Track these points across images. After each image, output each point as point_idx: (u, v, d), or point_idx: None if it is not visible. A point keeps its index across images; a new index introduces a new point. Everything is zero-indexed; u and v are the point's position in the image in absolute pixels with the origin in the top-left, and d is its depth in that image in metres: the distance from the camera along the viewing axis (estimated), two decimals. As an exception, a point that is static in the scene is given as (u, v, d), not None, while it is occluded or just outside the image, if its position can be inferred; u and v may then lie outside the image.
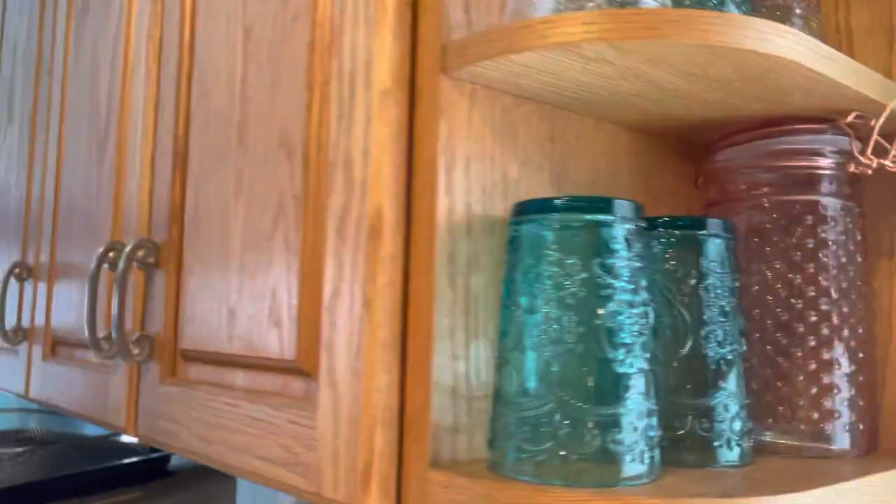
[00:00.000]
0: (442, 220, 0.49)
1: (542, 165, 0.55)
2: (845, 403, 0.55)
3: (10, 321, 1.16)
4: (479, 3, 0.52)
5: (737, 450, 0.51)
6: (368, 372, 0.49)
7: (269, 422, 0.57)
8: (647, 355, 0.46)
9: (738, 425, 0.51)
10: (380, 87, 0.50)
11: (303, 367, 0.55)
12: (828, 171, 0.56)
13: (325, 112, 0.55)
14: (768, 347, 0.56)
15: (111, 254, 0.80)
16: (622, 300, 0.45)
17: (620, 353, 0.45)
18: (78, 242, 0.97)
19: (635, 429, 0.45)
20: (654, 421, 0.46)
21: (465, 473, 0.46)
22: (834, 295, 0.55)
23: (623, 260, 0.46)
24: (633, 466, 0.44)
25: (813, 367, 0.55)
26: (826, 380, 0.55)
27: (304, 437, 0.53)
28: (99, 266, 0.81)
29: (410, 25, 0.51)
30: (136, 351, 0.75)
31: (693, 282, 0.52)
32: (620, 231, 0.46)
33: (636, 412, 0.45)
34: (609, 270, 0.45)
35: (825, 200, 0.56)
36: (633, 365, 0.45)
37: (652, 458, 0.45)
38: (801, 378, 0.55)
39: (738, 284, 0.53)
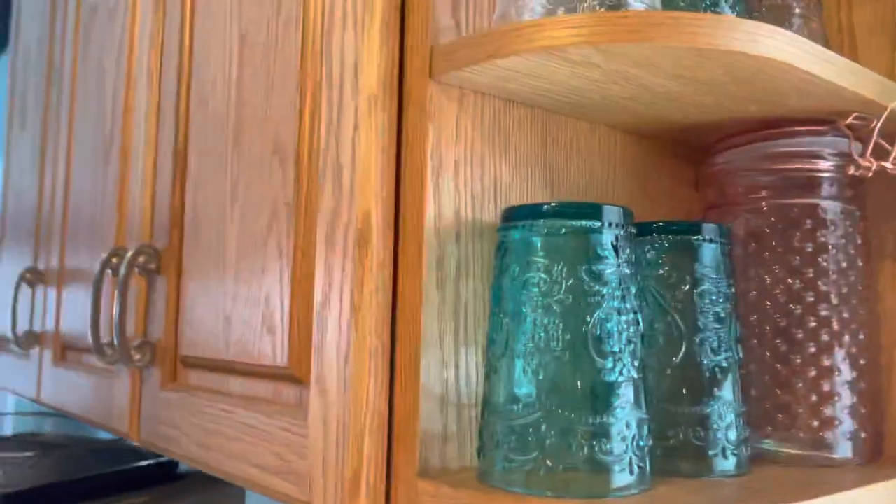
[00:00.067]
0: (430, 225, 0.49)
1: (535, 169, 0.55)
2: (846, 411, 0.54)
3: (22, 326, 1.18)
4: (468, 6, 0.51)
5: (733, 459, 0.50)
6: (357, 379, 0.49)
7: (263, 429, 0.57)
8: (637, 363, 0.45)
9: (733, 434, 0.50)
10: (367, 93, 0.49)
11: (295, 374, 0.55)
12: (827, 174, 0.55)
13: (316, 117, 0.55)
14: (767, 354, 0.55)
15: (114, 259, 0.80)
16: (611, 307, 0.45)
17: (609, 362, 0.44)
18: (85, 248, 0.98)
19: (624, 438, 0.44)
20: (645, 430, 0.45)
21: (452, 483, 0.46)
22: (834, 300, 0.54)
23: (612, 266, 0.45)
24: (622, 477, 0.43)
25: (812, 373, 0.54)
26: (826, 387, 0.54)
27: (295, 445, 0.53)
28: (102, 272, 0.81)
29: (399, 29, 0.51)
30: (137, 357, 0.75)
31: (687, 287, 0.51)
32: (609, 237, 0.45)
33: (625, 421, 0.44)
34: (597, 277, 0.45)
35: (825, 204, 0.55)
36: (622, 373, 0.44)
37: (642, 468, 0.44)
38: (801, 385, 0.54)
39: (733, 290, 0.52)
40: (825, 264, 0.54)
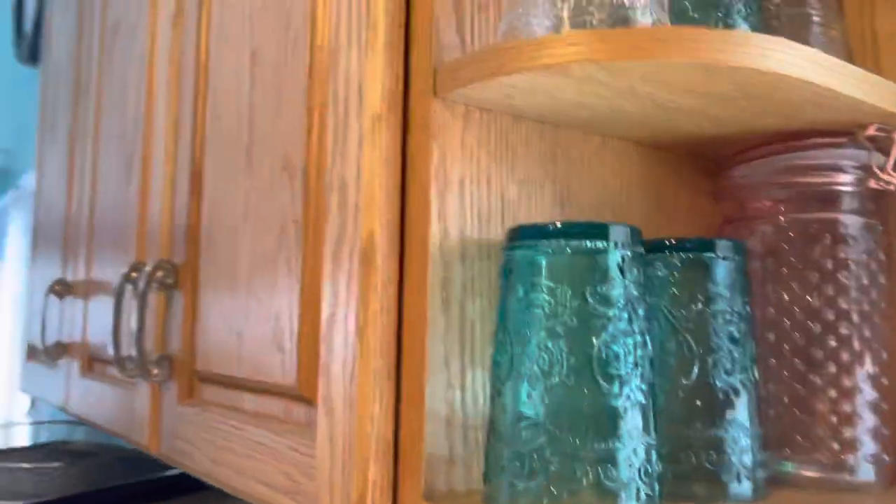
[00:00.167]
0: (435, 245, 0.48)
1: (544, 186, 0.54)
2: (868, 433, 0.52)
3: (51, 336, 1.20)
4: (472, 22, 0.51)
5: (748, 483, 0.48)
6: (362, 400, 0.48)
7: (272, 447, 0.56)
8: (645, 387, 0.44)
9: (748, 458, 0.48)
10: (371, 111, 0.49)
11: (303, 393, 0.55)
12: (848, 188, 0.53)
13: (324, 136, 0.54)
14: (785, 373, 0.53)
15: (134, 274, 0.81)
16: (617, 330, 0.43)
17: (615, 386, 0.43)
18: (110, 261, 0.99)
19: (631, 465, 0.43)
20: (654, 456, 0.44)
21: (456, 508, 0.45)
22: (855, 318, 0.52)
23: (618, 288, 0.44)
24: (629, 504, 0.42)
25: (833, 394, 0.52)
26: (847, 408, 0.52)
27: (304, 466, 0.53)
28: (122, 286, 0.82)
29: (403, 48, 0.51)
30: (155, 371, 0.75)
31: (700, 306, 0.50)
32: (615, 258, 0.44)
33: (632, 447, 0.43)
34: (603, 299, 0.43)
35: (845, 218, 0.53)
36: (629, 398, 0.43)
37: (650, 496, 0.43)
38: (821, 406, 0.52)
39: (749, 309, 0.50)
40: (846, 281, 0.52)
